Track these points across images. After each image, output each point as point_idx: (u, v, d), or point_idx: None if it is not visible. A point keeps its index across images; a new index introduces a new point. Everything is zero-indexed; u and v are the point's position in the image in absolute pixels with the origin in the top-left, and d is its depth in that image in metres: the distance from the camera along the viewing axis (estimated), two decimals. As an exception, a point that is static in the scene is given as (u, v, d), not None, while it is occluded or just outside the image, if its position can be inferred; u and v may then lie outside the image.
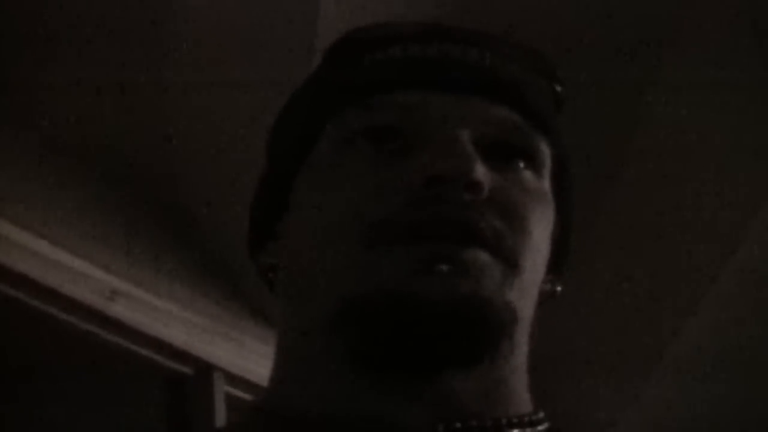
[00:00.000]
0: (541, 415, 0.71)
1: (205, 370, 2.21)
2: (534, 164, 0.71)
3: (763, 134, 2.05)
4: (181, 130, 2.06)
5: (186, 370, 2.20)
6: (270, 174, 0.78)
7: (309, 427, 0.67)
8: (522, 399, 0.71)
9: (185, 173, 2.15)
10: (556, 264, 0.75)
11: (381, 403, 0.66)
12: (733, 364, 2.41)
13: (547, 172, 0.73)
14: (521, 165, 0.70)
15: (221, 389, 2.22)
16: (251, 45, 1.80)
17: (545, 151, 0.72)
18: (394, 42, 0.74)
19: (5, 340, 1.82)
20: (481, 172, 0.66)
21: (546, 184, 0.72)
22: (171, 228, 2.19)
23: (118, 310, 1.99)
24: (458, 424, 0.66)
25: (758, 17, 1.84)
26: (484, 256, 0.65)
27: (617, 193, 2.22)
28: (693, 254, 2.30)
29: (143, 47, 1.83)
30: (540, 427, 0.70)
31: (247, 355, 2.22)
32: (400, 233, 0.66)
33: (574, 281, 2.38)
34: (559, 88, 0.78)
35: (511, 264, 0.67)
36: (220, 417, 2.18)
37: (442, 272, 0.64)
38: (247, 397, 2.20)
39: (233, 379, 2.23)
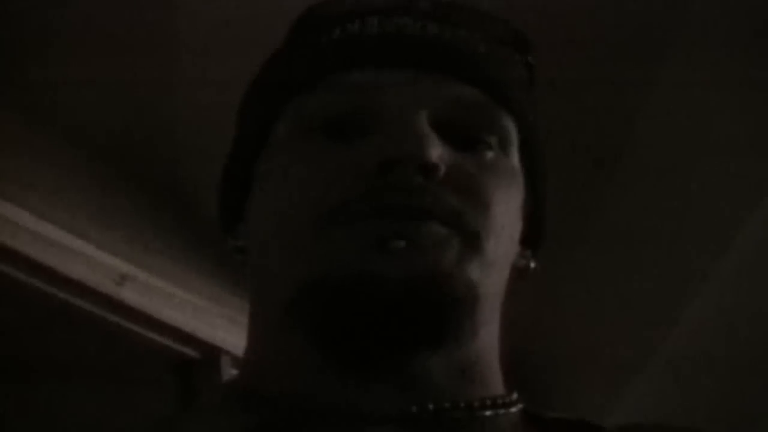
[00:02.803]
0: (515, 396, 0.70)
1: (212, 354, 2.22)
2: (498, 141, 0.70)
3: (762, 133, 2.04)
4: (191, 116, 2.06)
5: (193, 354, 2.20)
6: (233, 155, 0.77)
7: (280, 409, 0.66)
8: (494, 380, 0.70)
9: (192, 158, 2.15)
10: (531, 239, 0.74)
11: (350, 386, 0.65)
12: (726, 363, 2.41)
13: (513, 147, 0.71)
14: (484, 143, 0.69)
15: (228, 373, 2.23)
16: (258, 42, 1.80)
17: (509, 126, 0.71)
18: (352, 18, 0.72)
19: (13, 324, 1.84)
20: (435, 153, 0.64)
21: (512, 159, 0.71)
22: (179, 213, 2.19)
23: (127, 294, 2.00)
24: (431, 406, 0.65)
25: (760, 16, 1.83)
26: (441, 230, 0.64)
27: (614, 191, 2.21)
28: (688, 251, 2.29)
29: (149, 40, 1.83)
30: (513, 409, 0.69)
31: (254, 340, 2.23)
32: (354, 214, 0.64)
33: (568, 278, 2.38)
34: (531, 59, 0.76)
35: (472, 241, 0.65)
36: (228, 401, 2.18)
37: (398, 248, 0.62)
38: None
39: (240, 362, 2.24)
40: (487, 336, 0.69)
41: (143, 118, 2.04)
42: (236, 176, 0.75)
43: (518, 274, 0.73)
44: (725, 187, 2.15)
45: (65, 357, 1.92)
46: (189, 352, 2.19)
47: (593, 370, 2.60)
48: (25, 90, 1.88)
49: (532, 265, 0.74)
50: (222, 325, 2.22)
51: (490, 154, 0.69)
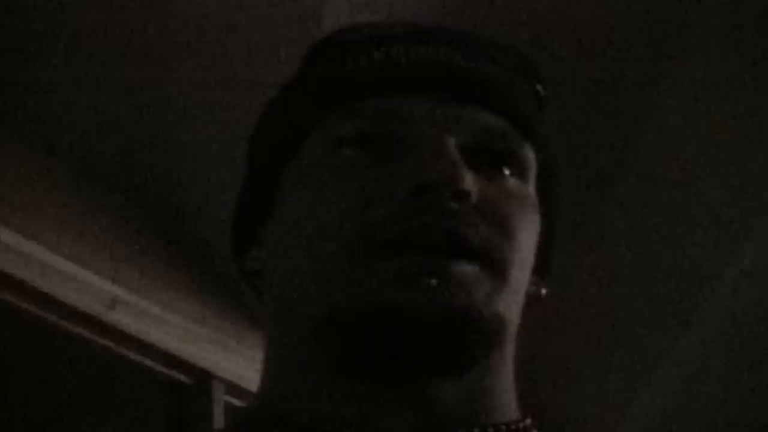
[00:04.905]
0: (529, 421, 0.71)
1: (204, 378, 2.21)
2: (519, 170, 0.71)
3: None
4: (182, 138, 2.05)
5: (185, 378, 2.20)
6: (252, 177, 0.76)
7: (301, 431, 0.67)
8: (509, 405, 0.71)
9: (186, 182, 2.15)
10: (542, 267, 0.74)
11: (369, 410, 0.66)
12: (738, 364, 2.40)
13: (532, 177, 0.72)
14: (507, 171, 0.70)
15: (220, 398, 2.22)
16: (255, 45, 1.79)
17: (530, 156, 0.72)
18: (377, 44, 0.72)
19: (5, 347, 1.82)
20: (469, 180, 0.65)
21: (531, 189, 0.72)
22: (171, 237, 2.19)
23: (118, 318, 2.00)
24: None
25: (763, 15, 1.83)
26: (472, 269, 0.65)
27: (621, 192, 2.21)
28: (698, 253, 2.28)
29: (145, 51, 1.83)
30: None
31: (246, 364, 2.22)
32: (388, 244, 0.65)
33: (578, 283, 2.35)
34: (540, 88, 0.77)
35: (500, 274, 0.66)
36: (219, 425, 2.17)
37: (430, 286, 0.63)
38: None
39: (232, 387, 2.23)
40: (505, 362, 0.71)
41: (139, 144, 2.04)
42: (254, 199, 0.75)
43: (530, 300, 0.73)
44: (737, 185, 2.14)
45: (55, 380, 1.90)
46: (180, 376, 2.19)
47: (606, 375, 2.59)
48: (18, 111, 1.87)
49: (543, 291, 0.75)
50: (214, 350, 2.21)
51: (512, 182, 0.70)
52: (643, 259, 2.33)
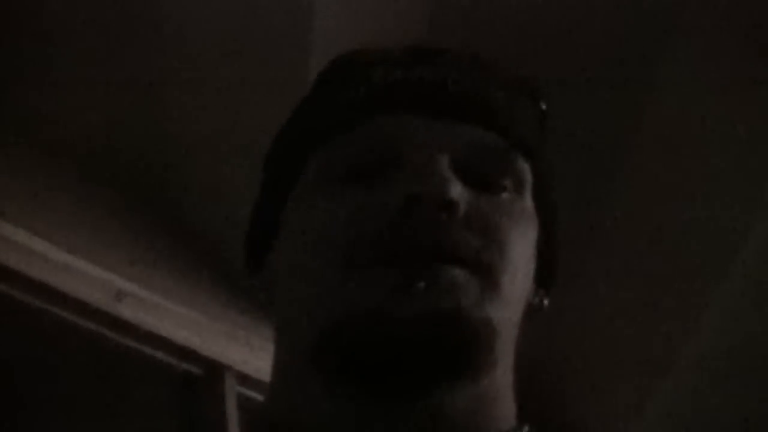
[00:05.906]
0: (526, 429, 0.73)
1: (216, 370, 2.20)
2: (514, 184, 0.73)
3: (763, 133, 2.03)
4: (189, 128, 2.05)
5: (196, 370, 2.19)
6: (262, 200, 0.80)
7: None
8: (508, 414, 0.72)
9: (194, 173, 2.15)
10: (544, 278, 0.77)
11: (368, 426, 0.67)
12: (742, 367, 2.39)
13: (528, 190, 0.74)
14: (501, 185, 0.72)
15: (233, 389, 2.21)
16: (247, 44, 1.79)
17: (525, 170, 0.74)
18: (376, 69, 0.75)
19: (12, 342, 1.82)
20: (456, 191, 0.67)
21: (527, 202, 0.74)
22: (178, 228, 2.18)
23: (126, 310, 1.99)
24: None
25: (757, 16, 1.83)
26: (460, 273, 0.66)
27: (622, 195, 2.22)
28: (699, 254, 2.28)
29: (141, 47, 1.83)
30: None
31: (258, 355, 2.21)
32: (378, 254, 0.67)
33: (582, 286, 2.35)
34: (543, 106, 0.80)
35: (489, 280, 0.68)
36: (232, 417, 2.17)
37: (419, 290, 0.65)
38: (259, 397, 2.19)
39: (245, 379, 2.22)
40: (502, 371, 0.72)
41: (145, 135, 2.04)
42: (264, 222, 0.78)
43: (532, 311, 0.75)
44: (735, 186, 2.14)
45: (63, 375, 1.90)
46: (191, 368, 2.17)
47: (617, 377, 2.58)
48: (21, 107, 1.88)
49: (546, 302, 0.77)
50: (224, 341, 2.20)
51: (505, 196, 0.72)
52: (646, 261, 2.32)
